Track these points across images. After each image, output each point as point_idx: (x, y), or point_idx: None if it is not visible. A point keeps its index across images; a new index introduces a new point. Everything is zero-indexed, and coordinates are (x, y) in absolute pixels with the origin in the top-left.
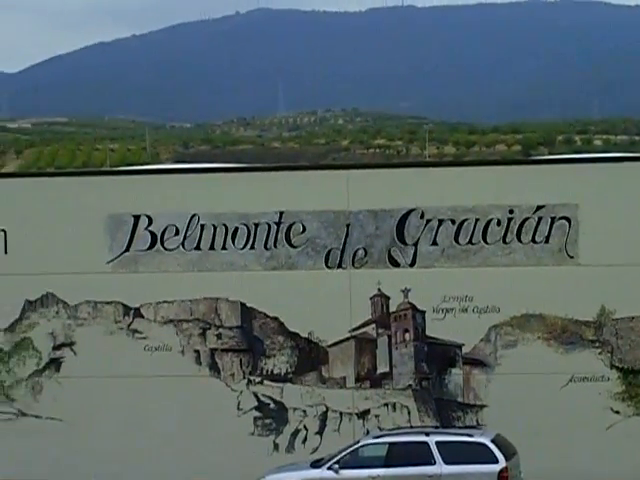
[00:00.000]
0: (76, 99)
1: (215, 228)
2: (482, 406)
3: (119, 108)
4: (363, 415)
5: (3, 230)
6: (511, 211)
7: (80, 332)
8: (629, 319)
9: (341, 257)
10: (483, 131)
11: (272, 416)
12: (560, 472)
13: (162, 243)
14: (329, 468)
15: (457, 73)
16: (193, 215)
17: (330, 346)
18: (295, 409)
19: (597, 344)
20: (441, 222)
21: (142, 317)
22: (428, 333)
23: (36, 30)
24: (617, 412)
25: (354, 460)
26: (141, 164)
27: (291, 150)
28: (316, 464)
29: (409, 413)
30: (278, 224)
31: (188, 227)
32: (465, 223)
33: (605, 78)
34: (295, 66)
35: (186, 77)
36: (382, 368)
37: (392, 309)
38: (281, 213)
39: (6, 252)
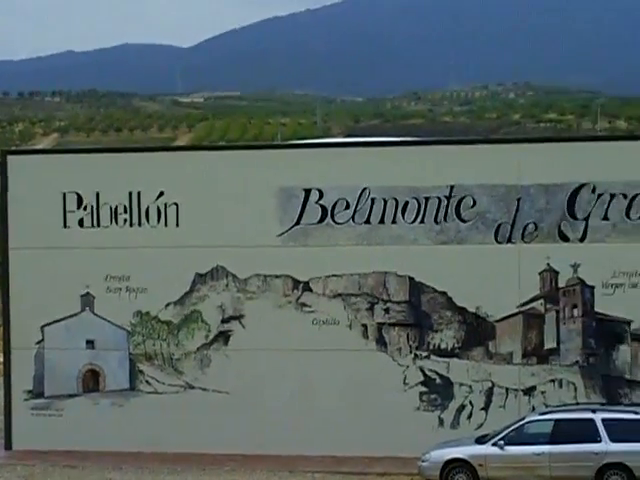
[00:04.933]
0: (249, 74)
1: (385, 202)
2: None
3: (291, 83)
4: (529, 391)
5: (175, 204)
6: None
7: (249, 305)
8: None
9: (511, 232)
10: None
11: (438, 391)
12: None
13: (332, 217)
14: (494, 444)
15: (630, 47)
16: (364, 189)
17: (498, 321)
18: (461, 384)
19: None
20: (613, 197)
21: (311, 291)
22: (597, 309)
23: (210, 4)
24: None
25: (519, 437)
26: (312, 138)
27: (462, 124)
28: (481, 440)
29: (575, 390)
30: (448, 198)
31: (358, 201)
32: (637, 198)
33: None
34: (466, 41)
35: (358, 52)
36: (549, 344)
37: (561, 284)
38: (451, 187)
39: (177, 225)
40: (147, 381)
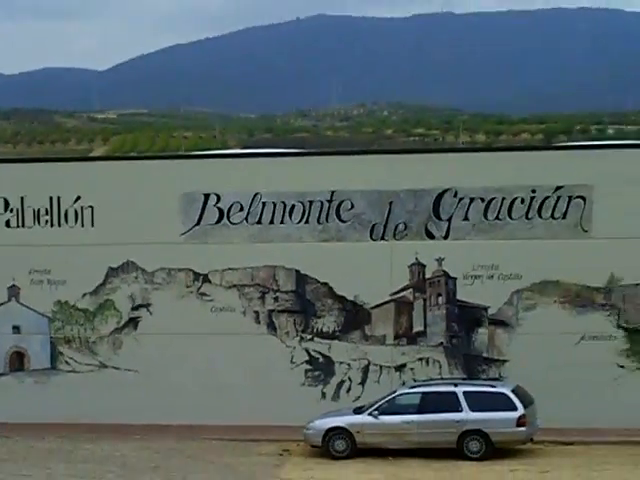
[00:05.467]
0: (155, 93)
1: (275, 205)
2: (504, 361)
3: (193, 101)
4: (400, 368)
5: (91, 207)
6: (533, 191)
7: (155, 295)
8: (634, 285)
9: (384, 231)
10: (511, 121)
11: (321, 369)
12: (572, 419)
13: (228, 218)
14: (369, 414)
15: (489, 71)
16: (256, 194)
17: (373, 308)
18: (341, 363)
19: (606, 307)
20: (472, 200)
21: (209, 282)
22: (458, 297)
23: (122, 33)
24: (622, 367)
25: (391, 407)
26: (211, 150)
27: (342, 138)
28: (358, 411)
29: (440, 367)
30: (329, 202)
31: (251, 204)
32: (493, 201)
33: (618, 76)
34: (347, 65)
35: (251, 74)
36: (417, 327)
37: (427, 276)
38: (332, 192)
39: (93, 225)
40: (66, 361)
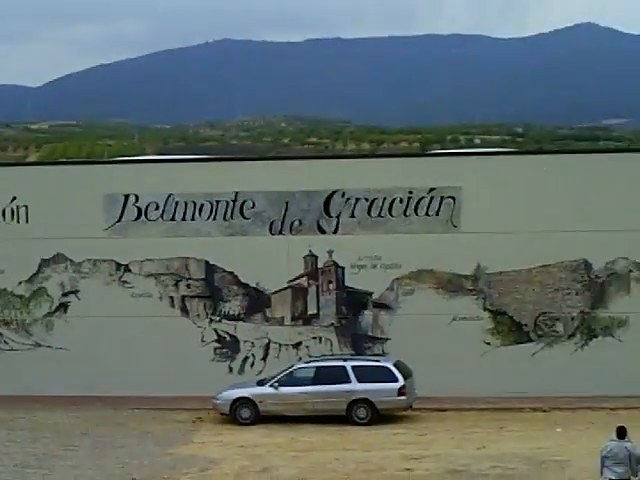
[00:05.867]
0: (83, 107)
1: (186, 204)
2: (386, 339)
3: (115, 113)
4: (296, 346)
5: (25, 205)
6: (410, 192)
7: (83, 283)
8: (498, 273)
9: (281, 226)
10: (391, 132)
11: (228, 346)
12: (446, 389)
13: (146, 215)
14: (270, 386)
15: (373, 88)
16: (170, 194)
17: (272, 293)
18: (245, 341)
19: (474, 292)
20: (357, 200)
21: (130, 271)
22: (347, 284)
23: (53, 55)
24: (488, 343)
25: (289, 380)
26: (131, 156)
27: (245, 146)
28: (261, 383)
29: (331, 344)
30: (234, 201)
31: (166, 203)
32: (375, 201)
33: (486, 92)
34: (250, 82)
35: (166, 90)
36: (312, 310)
37: (319, 266)
38: (236, 193)
39: (27, 222)
40: (5, 341)
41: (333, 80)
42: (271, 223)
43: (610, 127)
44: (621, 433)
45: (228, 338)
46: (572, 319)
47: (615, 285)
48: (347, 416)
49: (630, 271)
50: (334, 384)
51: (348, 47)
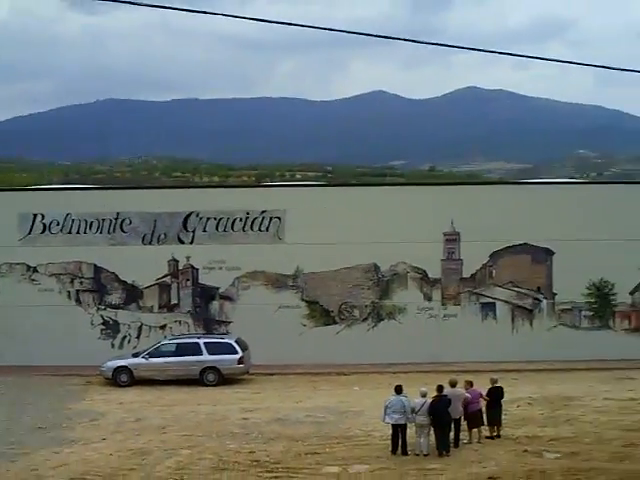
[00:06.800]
0: (2, 148)
1: (80, 221)
2: (230, 322)
3: (32, 153)
4: (162, 327)
5: None
6: (247, 213)
7: (1, 281)
8: (312, 273)
9: (151, 238)
10: (235, 168)
11: (111, 328)
12: (273, 359)
13: (49, 230)
14: (143, 357)
15: (223, 137)
16: (68, 214)
17: (144, 288)
18: (124, 324)
19: (294, 287)
20: (208, 219)
21: (38, 272)
22: (200, 281)
23: None
24: (304, 325)
25: (157, 353)
26: (40, 184)
27: (126, 178)
28: (135, 355)
29: (189, 327)
30: (116, 219)
31: (65, 221)
32: (222, 219)
33: (300, 141)
34: (130, 130)
35: (66, 136)
36: (174, 301)
37: (180, 268)
38: (118, 213)
39: None
40: None
41: (193, 128)
42: (143, 236)
43: (395, 167)
44: (399, 390)
45: (111, 322)
46: (366, 307)
47: (397, 282)
48: (200, 379)
49: (407, 272)
50: (190, 356)
51: (203, 105)
